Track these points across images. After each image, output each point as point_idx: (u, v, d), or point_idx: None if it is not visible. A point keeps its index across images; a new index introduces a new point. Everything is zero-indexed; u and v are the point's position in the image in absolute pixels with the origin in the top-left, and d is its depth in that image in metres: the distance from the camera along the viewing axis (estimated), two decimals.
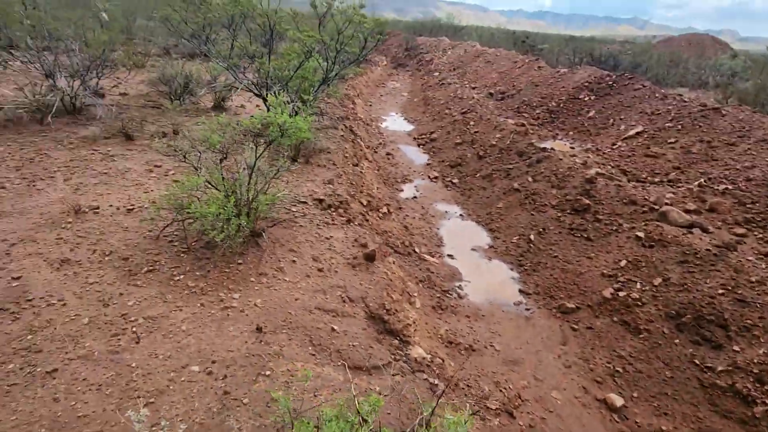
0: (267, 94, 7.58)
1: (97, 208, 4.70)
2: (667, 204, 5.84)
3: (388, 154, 10.99)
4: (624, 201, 6.11)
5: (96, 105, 7.44)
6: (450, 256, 6.43)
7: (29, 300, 3.26)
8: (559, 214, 6.54)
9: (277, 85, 7.49)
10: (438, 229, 7.29)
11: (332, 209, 5.56)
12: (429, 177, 9.60)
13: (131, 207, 4.80)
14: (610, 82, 10.70)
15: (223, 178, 4.02)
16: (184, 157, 4.17)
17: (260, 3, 6.78)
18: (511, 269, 6.12)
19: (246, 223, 3.85)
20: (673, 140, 7.39)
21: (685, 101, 8.39)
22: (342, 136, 8.78)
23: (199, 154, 4.27)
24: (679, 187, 6.37)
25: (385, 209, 6.74)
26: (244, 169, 4.42)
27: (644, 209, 5.82)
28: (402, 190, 8.90)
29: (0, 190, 4.82)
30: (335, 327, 3.32)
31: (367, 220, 5.94)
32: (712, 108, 7.56)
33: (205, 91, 8.25)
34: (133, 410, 2.39)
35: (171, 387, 2.65)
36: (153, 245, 4.12)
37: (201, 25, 7.56)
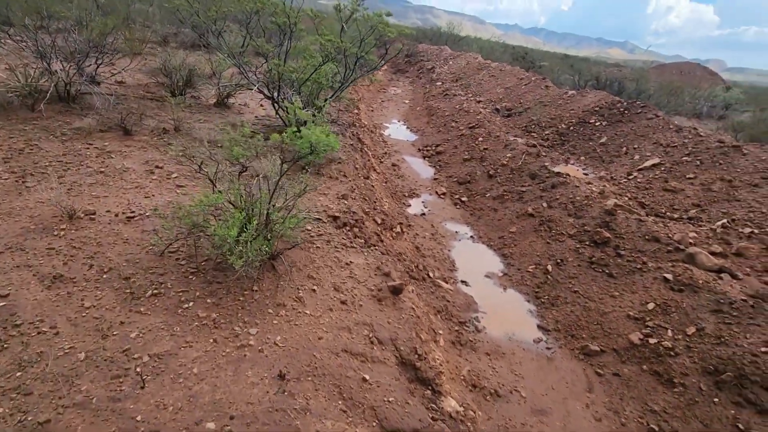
0: (278, 97, 7.18)
1: (94, 213, 4.25)
2: (691, 244, 5.67)
3: (393, 165, 10.67)
4: (646, 237, 5.92)
5: (92, 93, 6.92)
6: (464, 282, 6.13)
7: (17, 325, 2.83)
8: (578, 246, 6.31)
9: (291, 89, 7.10)
10: (449, 251, 6.99)
11: (347, 228, 5.20)
12: (437, 193, 9.31)
13: (131, 214, 4.35)
14: (622, 109, 10.60)
15: (241, 196, 3.63)
16: (200, 167, 3.78)
17: (282, 1, 6.39)
18: (528, 301, 5.85)
19: (266, 247, 3.48)
20: (692, 176, 7.27)
21: (701, 135, 8.31)
22: (351, 144, 8.42)
23: (216, 164, 3.88)
24: (701, 226, 6.22)
25: (398, 228, 6.41)
26: (264, 177, 4.05)
27: (669, 248, 5.64)
28: (409, 205, 8.58)
29: None
30: (366, 377, 2.97)
31: (382, 241, 5.60)
32: (732, 145, 7.47)
33: (215, 90, 7.79)
34: None
35: None
36: (157, 263, 3.69)
37: (213, 19, 7.11)
